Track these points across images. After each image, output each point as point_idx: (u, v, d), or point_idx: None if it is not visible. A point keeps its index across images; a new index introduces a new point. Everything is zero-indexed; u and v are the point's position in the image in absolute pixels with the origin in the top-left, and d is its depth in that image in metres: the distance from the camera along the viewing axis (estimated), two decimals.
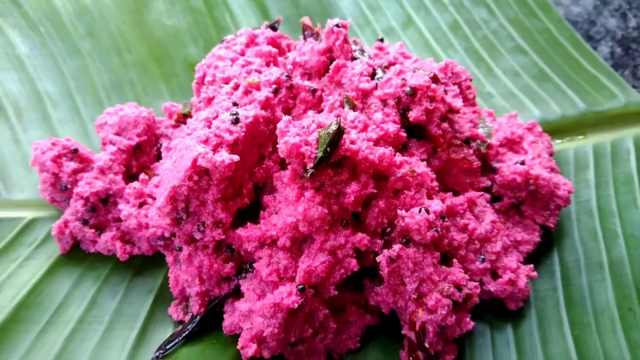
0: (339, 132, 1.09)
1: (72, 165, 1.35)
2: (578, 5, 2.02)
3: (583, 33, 1.95)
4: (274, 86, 1.30)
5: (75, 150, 1.36)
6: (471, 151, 1.28)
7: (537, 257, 1.33)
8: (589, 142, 1.55)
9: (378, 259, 1.13)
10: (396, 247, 1.12)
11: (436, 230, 1.13)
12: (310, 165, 1.08)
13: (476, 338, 1.23)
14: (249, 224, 1.20)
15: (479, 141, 1.32)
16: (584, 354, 1.18)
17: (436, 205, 1.15)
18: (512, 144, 1.40)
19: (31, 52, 1.67)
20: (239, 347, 1.12)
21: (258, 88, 1.30)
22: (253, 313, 1.12)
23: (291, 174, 1.14)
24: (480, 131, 1.35)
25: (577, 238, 1.37)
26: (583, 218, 1.40)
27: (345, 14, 1.86)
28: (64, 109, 1.62)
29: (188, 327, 1.23)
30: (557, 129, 1.58)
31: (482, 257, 1.23)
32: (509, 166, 1.32)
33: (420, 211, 1.12)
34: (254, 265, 1.17)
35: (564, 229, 1.39)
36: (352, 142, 1.13)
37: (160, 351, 1.21)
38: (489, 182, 1.34)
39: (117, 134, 1.40)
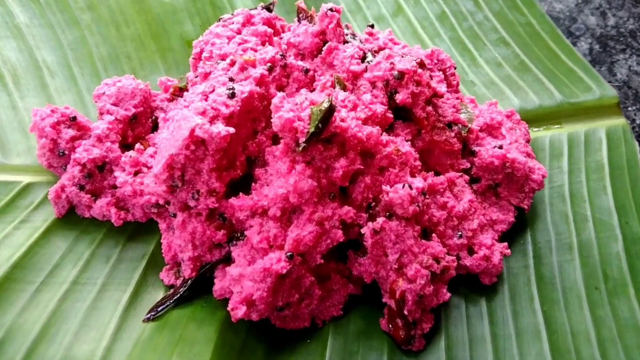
0: (331, 109, 1.11)
1: (70, 132, 1.34)
2: (560, 2, 2.08)
3: (564, 29, 2.00)
4: (268, 64, 1.34)
5: (74, 118, 1.35)
6: (452, 134, 1.34)
7: (511, 236, 1.36)
8: (564, 131, 1.58)
9: (363, 230, 1.16)
10: (380, 220, 1.14)
11: (417, 205, 1.17)
12: (302, 139, 1.12)
13: (452, 310, 1.26)
14: (241, 194, 1.22)
15: (460, 125, 1.37)
16: (552, 327, 1.22)
17: (418, 182, 1.20)
18: (492, 129, 1.41)
19: (30, 22, 1.65)
20: (229, 308, 1.15)
21: (254, 65, 1.33)
22: (243, 277, 1.14)
23: (283, 148, 1.18)
24: (462, 116, 1.39)
25: (549, 220, 1.41)
26: (555, 202, 1.44)
27: (339, 0, 1.90)
28: (61, 78, 1.60)
29: (179, 290, 1.24)
30: (534, 118, 1.61)
31: (460, 233, 1.26)
32: (487, 150, 1.35)
33: (403, 187, 1.15)
34: (245, 233, 1.19)
35: (537, 212, 1.43)
36: (342, 120, 1.17)
37: (152, 313, 1.21)
38: (468, 164, 1.36)
39: (115, 104, 1.39)
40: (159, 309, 1.22)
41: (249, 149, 1.26)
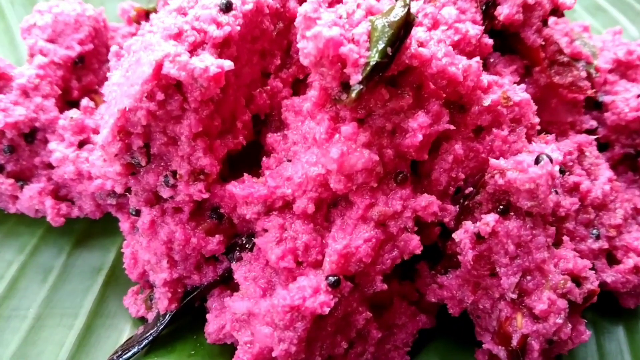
0: (408, 22, 0.74)
1: None
2: None
3: None
4: None
5: None
6: (584, 74, 0.99)
7: None
8: None
9: (456, 235, 0.85)
10: (489, 218, 0.83)
11: (556, 192, 0.81)
12: (356, 77, 0.74)
13: (577, 348, 0.97)
14: (246, 176, 0.94)
15: (583, 62, 1.03)
16: None
17: (553, 151, 0.83)
18: (627, 69, 1.12)
19: None
20: None
21: None
22: (254, 318, 0.87)
23: (319, 96, 0.81)
24: (582, 49, 1.05)
25: None
26: None
27: None
28: None
29: (151, 331, 0.98)
30: None
31: (596, 232, 0.98)
32: (627, 99, 1.06)
33: (538, 161, 0.80)
34: (255, 240, 0.92)
35: None
36: (422, 45, 0.79)
37: None
38: (593, 123, 1.07)
39: (51, 40, 1.15)
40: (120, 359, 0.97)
41: (257, 101, 0.98)
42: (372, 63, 0.75)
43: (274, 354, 0.85)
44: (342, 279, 0.83)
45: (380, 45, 0.75)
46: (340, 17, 0.78)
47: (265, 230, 0.90)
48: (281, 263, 0.87)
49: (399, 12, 0.76)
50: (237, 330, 0.90)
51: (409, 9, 0.76)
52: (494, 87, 0.90)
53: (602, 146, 1.10)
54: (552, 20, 1.08)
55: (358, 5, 0.79)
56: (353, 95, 0.76)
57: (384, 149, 0.84)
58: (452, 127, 0.87)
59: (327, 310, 0.82)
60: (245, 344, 0.88)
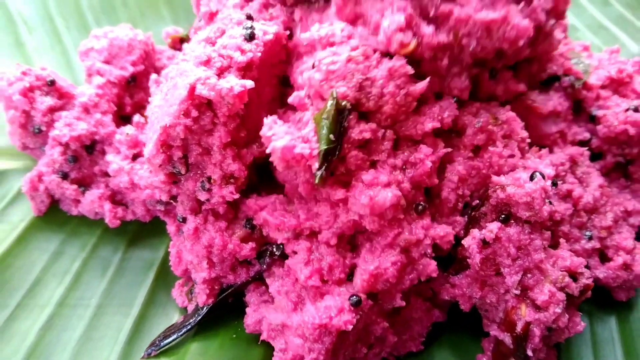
0: (339, 110, 0.87)
1: (47, 101, 1.16)
2: None
3: None
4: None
5: (52, 82, 1.17)
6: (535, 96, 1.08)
7: None
8: None
9: (465, 242, 0.93)
10: (493, 226, 0.91)
11: (550, 203, 0.89)
12: (315, 166, 0.88)
13: (574, 336, 1.02)
14: (274, 198, 1.01)
15: (572, 78, 1.11)
16: None
17: (546, 167, 0.92)
18: (619, 85, 1.15)
19: None
20: None
21: (283, 2, 1.07)
22: (288, 329, 0.94)
23: (305, 188, 0.94)
24: (575, 67, 1.13)
25: None
26: None
27: None
28: (41, 34, 1.45)
29: (190, 321, 1.06)
30: None
31: (589, 233, 1.04)
32: (616, 113, 1.10)
33: (532, 177, 0.89)
34: (286, 262, 0.99)
35: None
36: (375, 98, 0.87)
37: (153, 348, 1.05)
38: (587, 135, 1.12)
39: (107, 62, 1.22)
40: (162, 344, 1.05)
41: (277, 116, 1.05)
42: (322, 152, 0.86)
43: None
44: (363, 299, 0.90)
45: (324, 136, 0.86)
46: (290, 125, 0.90)
47: (295, 252, 0.97)
48: (309, 282, 0.94)
49: (330, 105, 0.85)
50: (272, 338, 0.97)
51: (336, 100, 0.86)
52: (480, 111, 0.97)
53: (596, 155, 1.14)
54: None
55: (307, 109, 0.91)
56: (317, 180, 0.87)
57: (401, 184, 0.91)
58: (449, 149, 0.93)
59: (350, 327, 0.89)
60: (280, 350, 0.95)
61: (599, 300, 1.08)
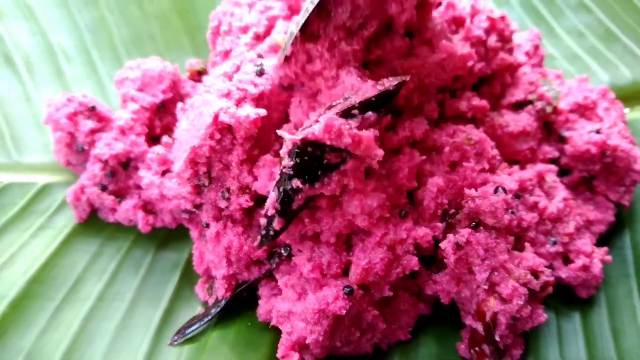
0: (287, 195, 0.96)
1: (89, 124, 1.25)
2: None
3: None
4: None
5: (93, 108, 1.26)
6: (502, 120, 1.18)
7: (607, 239, 1.22)
8: None
9: (442, 245, 1.03)
10: (464, 232, 1.01)
11: (512, 212, 1.01)
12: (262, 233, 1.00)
13: (542, 328, 1.13)
14: None
15: (544, 102, 1.22)
16: None
17: (510, 182, 1.04)
18: (585, 110, 1.26)
19: (43, 2, 1.57)
20: (279, 355, 1.03)
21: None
22: (293, 315, 1.04)
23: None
24: (547, 93, 1.24)
25: None
26: None
27: None
28: (79, 64, 1.53)
29: (211, 311, 1.14)
30: (628, 96, 1.44)
31: (554, 239, 1.13)
32: (581, 135, 1.21)
33: (496, 191, 1.00)
34: (293, 258, 1.08)
35: (637, 209, 1.28)
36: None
37: (179, 335, 1.13)
38: (556, 153, 1.23)
39: (140, 90, 1.30)
40: (187, 332, 1.14)
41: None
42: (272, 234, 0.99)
43: (307, 341, 1.01)
44: (355, 289, 0.99)
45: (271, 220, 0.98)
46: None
47: (300, 251, 1.07)
48: (311, 275, 1.03)
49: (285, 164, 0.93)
50: (280, 323, 1.06)
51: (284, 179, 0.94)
52: (457, 132, 1.08)
53: (565, 171, 1.23)
54: (524, 70, 1.28)
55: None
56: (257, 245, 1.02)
57: (386, 188, 1.02)
58: (424, 157, 1.05)
59: (343, 312, 0.99)
60: (287, 333, 1.04)
61: (564, 298, 1.15)
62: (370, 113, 0.92)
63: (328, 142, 0.89)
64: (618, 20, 1.57)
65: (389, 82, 0.94)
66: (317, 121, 0.90)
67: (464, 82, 1.11)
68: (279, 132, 0.94)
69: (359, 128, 0.90)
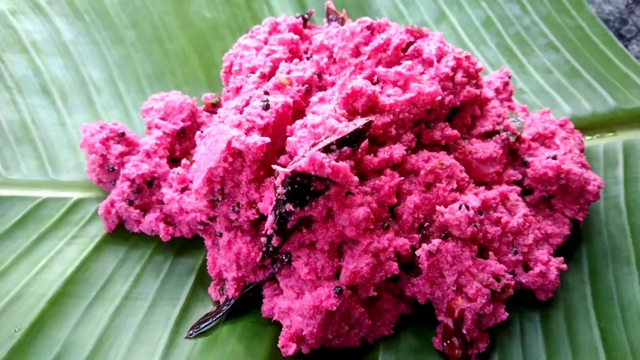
0: (282, 218, 1.10)
1: (119, 148, 1.37)
2: (610, 3, 2.01)
3: (614, 31, 1.92)
4: (305, 86, 1.32)
5: (123, 134, 1.38)
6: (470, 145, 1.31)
7: (565, 250, 1.32)
8: (619, 140, 1.54)
9: (417, 252, 1.14)
10: (435, 241, 1.13)
11: (474, 225, 1.15)
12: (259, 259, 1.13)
13: (506, 326, 1.23)
14: None
15: (509, 132, 1.34)
16: (609, 344, 1.18)
17: (474, 200, 1.17)
18: (545, 139, 1.39)
19: (76, 39, 1.70)
20: (279, 345, 1.14)
21: (290, 84, 1.32)
22: (292, 311, 1.14)
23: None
24: (512, 124, 1.37)
25: (605, 233, 1.36)
26: (611, 213, 1.39)
27: (379, 7, 1.88)
28: (107, 95, 1.64)
29: (222, 308, 1.24)
30: (587, 126, 1.57)
31: (515, 249, 1.23)
32: (540, 160, 1.32)
33: (460, 208, 1.14)
34: (293, 263, 1.18)
35: (593, 224, 1.38)
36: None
37: (194, 329, 1.23)
38: (520, 176, 1.34)
39: (163, 118, 1.42)
40: (201, 326, 1.23)
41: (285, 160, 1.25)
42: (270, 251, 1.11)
43: (303, 333, 1.10)
44: (344, 289, 1.10)
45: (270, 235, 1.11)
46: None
47: (298, 257, 1.16)
48: (307, 277, 1.13)
49: (279, 192, 1.07)
50: (281, 318, 1.16)
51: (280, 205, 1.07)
52: (431, 158, 1.21)
53: (527, 191, 1.33)
54: (493, 104, 1.40)
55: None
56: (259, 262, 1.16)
57: (371, 203, 1.14)
58: (403, 178, 1.17)
59: (334, 308, 1.08)
60: (286, 327, 1.13)
61: (526, 301, 1.25)
62: (345, 148, 1.10)
63: (313, 173, 1.05)
64: (582, 58, 1.69)
65: (360, 122, 1.12)
66: (303, 156, 1.06)
67: (437, 113, 1.24)
68: (273, 166, 1.08)
69: (337, 160, 1.07)
